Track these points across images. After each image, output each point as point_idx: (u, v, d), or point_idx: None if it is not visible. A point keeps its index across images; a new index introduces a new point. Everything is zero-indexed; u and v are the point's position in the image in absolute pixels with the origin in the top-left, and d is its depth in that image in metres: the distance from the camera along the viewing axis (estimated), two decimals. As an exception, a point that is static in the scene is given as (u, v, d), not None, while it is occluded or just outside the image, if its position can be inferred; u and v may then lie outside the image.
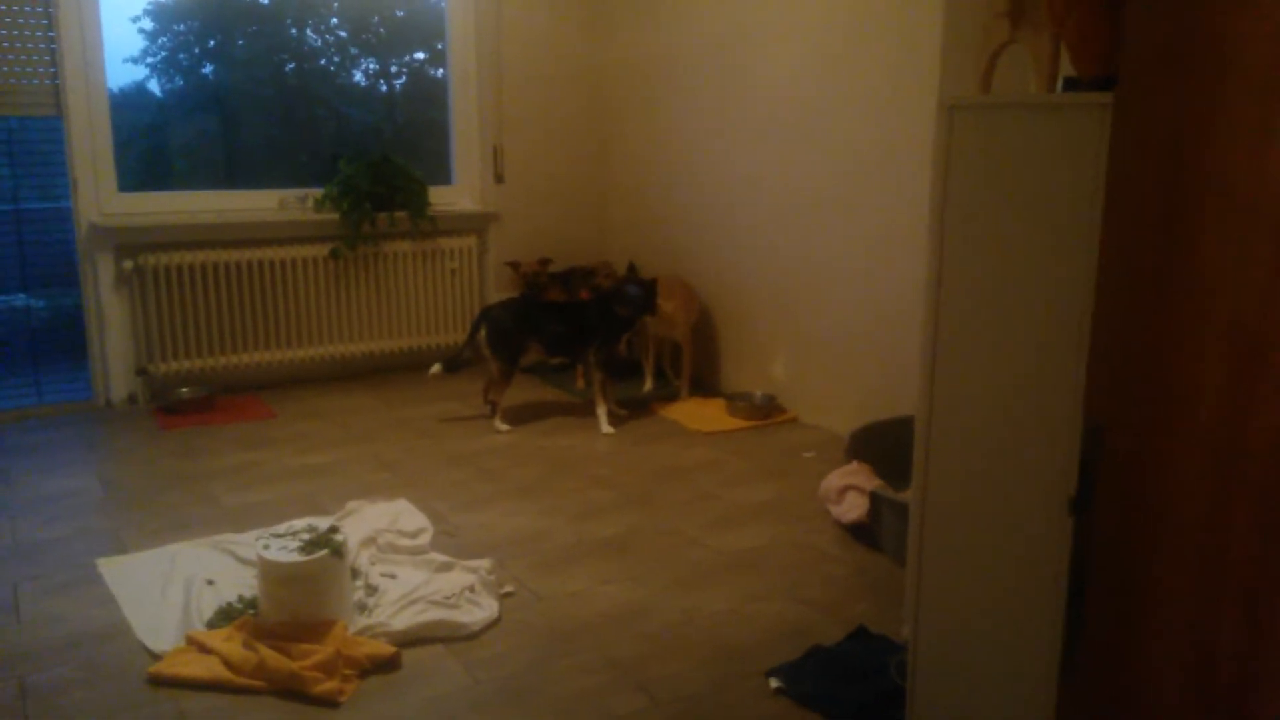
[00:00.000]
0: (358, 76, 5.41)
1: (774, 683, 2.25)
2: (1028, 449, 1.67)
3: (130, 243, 4.40)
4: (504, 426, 4.18)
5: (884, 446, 3.22)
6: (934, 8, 3.09)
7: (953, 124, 1.74)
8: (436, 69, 5.34)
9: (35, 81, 4.19)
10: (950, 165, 1.76)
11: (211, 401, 4.45)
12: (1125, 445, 1.30)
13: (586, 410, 4.41)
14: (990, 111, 1.69)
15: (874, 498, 2.94)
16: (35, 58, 4.18)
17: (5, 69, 4.13)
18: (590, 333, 4.27)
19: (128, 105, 4.61)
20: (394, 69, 5.48)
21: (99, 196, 4.38)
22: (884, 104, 3.78)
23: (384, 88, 5.50)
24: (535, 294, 4.78)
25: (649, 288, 4.30)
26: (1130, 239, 1.29)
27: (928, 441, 1.88)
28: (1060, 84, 1.68)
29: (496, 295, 5.10)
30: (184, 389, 4.48)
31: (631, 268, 4.90)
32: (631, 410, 4.44)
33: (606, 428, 4.17)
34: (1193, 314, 1.18)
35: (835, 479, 3.16)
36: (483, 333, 4.23)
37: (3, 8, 4.09)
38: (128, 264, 4.38)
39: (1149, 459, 1.27)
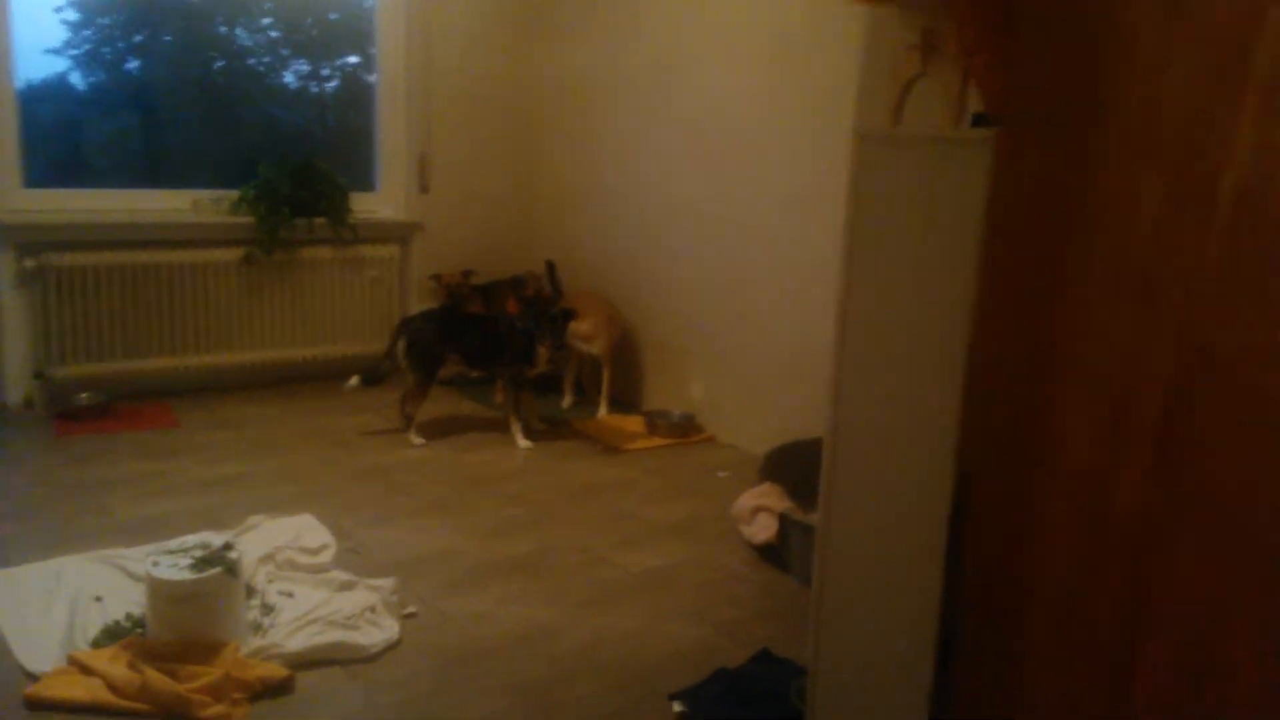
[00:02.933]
0: (288, 78, 5.27)
1: (676, 706, 2.22)
2: (909, 481, 1.67)
3: (33, 240, 4.20)
4: (418, 440, 4.09)
5: (797, 467, 3.23)
6: (857, 39, 3.12)
7: (864, 154, 1.74)
8: (369, 74, 5.24)
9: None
10: (859, 195, 1.77)
11: (112, 408, 4.27)
12: (994, 489, 1.30)
13: (504, 425, 4.34)
14: (897, 144, 1.70)
15: (783, 519, 2.94)
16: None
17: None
18: (506, 348, 4.21)
19: (46, 98, 4.41)
20: (325, 72, 5.36)
21: (1, 193, 4.19)
22: (810, 132, 3.82)
23: (315, 90, 5.37)
24: (458, 305, 4.71)
25: (562, 319, 4.20)
26: (1005, 281, 1.30)
27: (832, 468, 1.88)
28: (970, 119, 1.69)
29: (418, 306, 5.01)
30: (84, 394, 4.29)
31: (550, 266, 4.85)
32: (550, 425, 4.39)
33: (523, 442, 4.12)
34: (1062, 364, 1.19)
35: (747, 499, 3.16)
36: (401, 343, 4.14)
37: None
38: (29, 263, 4.19)
39: (1018, 508, 1.28)
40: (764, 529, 3.01)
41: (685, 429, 4.35)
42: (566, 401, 4.78)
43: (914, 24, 1.77)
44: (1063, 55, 1.21)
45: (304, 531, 3.03)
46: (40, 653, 2.34)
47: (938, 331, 1.59)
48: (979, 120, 1.72)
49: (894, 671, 1.74)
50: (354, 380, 4.21)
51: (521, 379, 4.23)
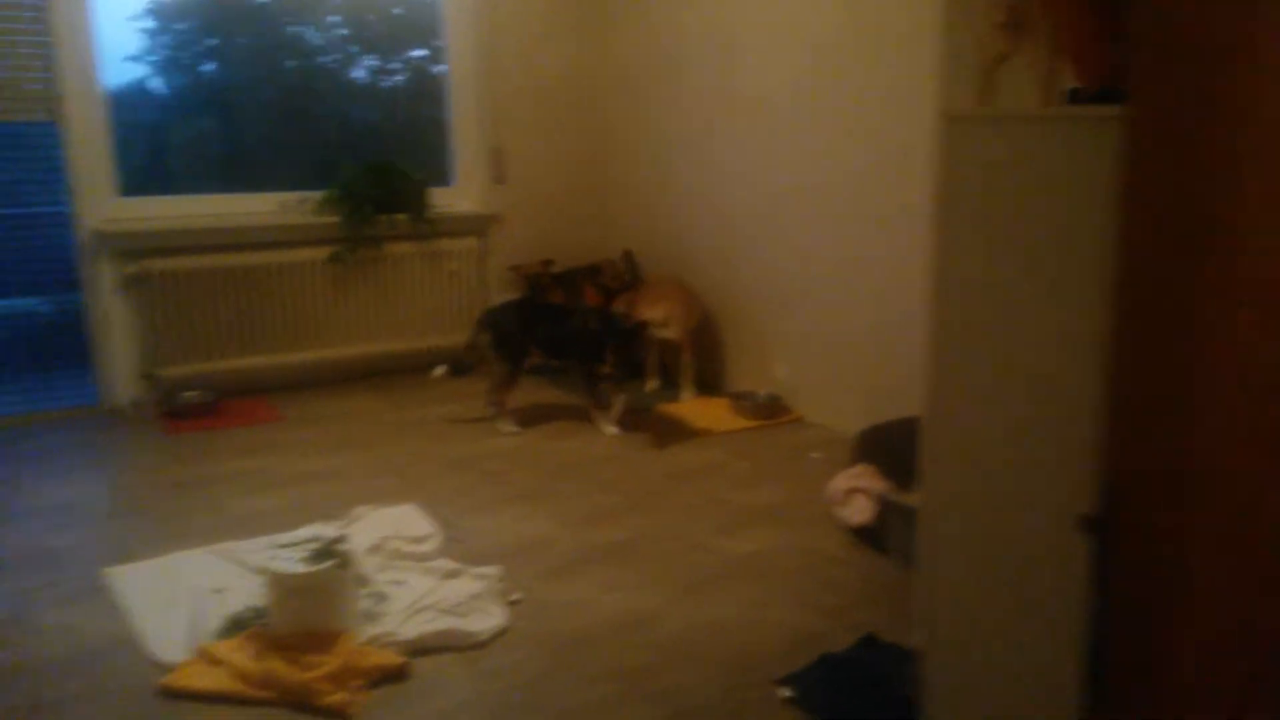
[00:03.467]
0: (358, 74, 5.38)
1: (784, 692, 2.24)
2: (1035, 457, 1.66)
3: (132, 248, 4.39)
4: (510, 428, 4.17)
5: (891, 447, 3.21)
6: (935, 12, 3.08)
7: (951, 135, 1.73)
8: (435, 66, 5.32)
9: (31, 87, 4.16)
10: (949, 177, 1.75)
11: (217, 405, 4.45)
12: (1144, 493, 1.28)
13: (588, 413, 4.42)
14: (989, 124, 1.68)
15: (881, 501, 2.93)
16: (31, 64, 4.15)
17: (2, 75, 4.10)
18: (578, 342, 4.20)
19: (127, 104, 4.59)
20: (393, 66, 5.45)
21: (99, 203, 4.37)
22: (889, 105, 3.77)
23: (384, 85, 5.48)
24: (538, 295, 4.77)
25: (636, 332, 4.22)
26: (1148, 264, 1.27)
27: (934, 444, 1.88)
28: (1065, 95, 1.67)
29: (498, 297, 5.10)
30: (189, 393, 4.48)
31: (627, 255, 4.89)
32: (634, 414, 4.43)
33: (608, 429, 4.16)
34: (1223, 354, 1.16)
35: (841, 481, 3.15)
36: (485, 336, 4.22)
37: None
38: (130, 269, 4.37)
39: (1168, 508, 1.26)
40: (860, 511, 3.01)
41: (772, 410, 4.35)
42: (650, 386, 4.82)
43: (1000, 1, 1.75)
44: (1192, 25, 1.17)
45: (407, 521, 3.13)
46: (170, 644, 2.46)
47: (1059, 313, 1.57)
48: (1074, 96, 1.69)
49: (1026, 656, 1.73)
50: (440, 369, 4.30)
51: (593, 374, 4.24)
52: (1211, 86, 1.18)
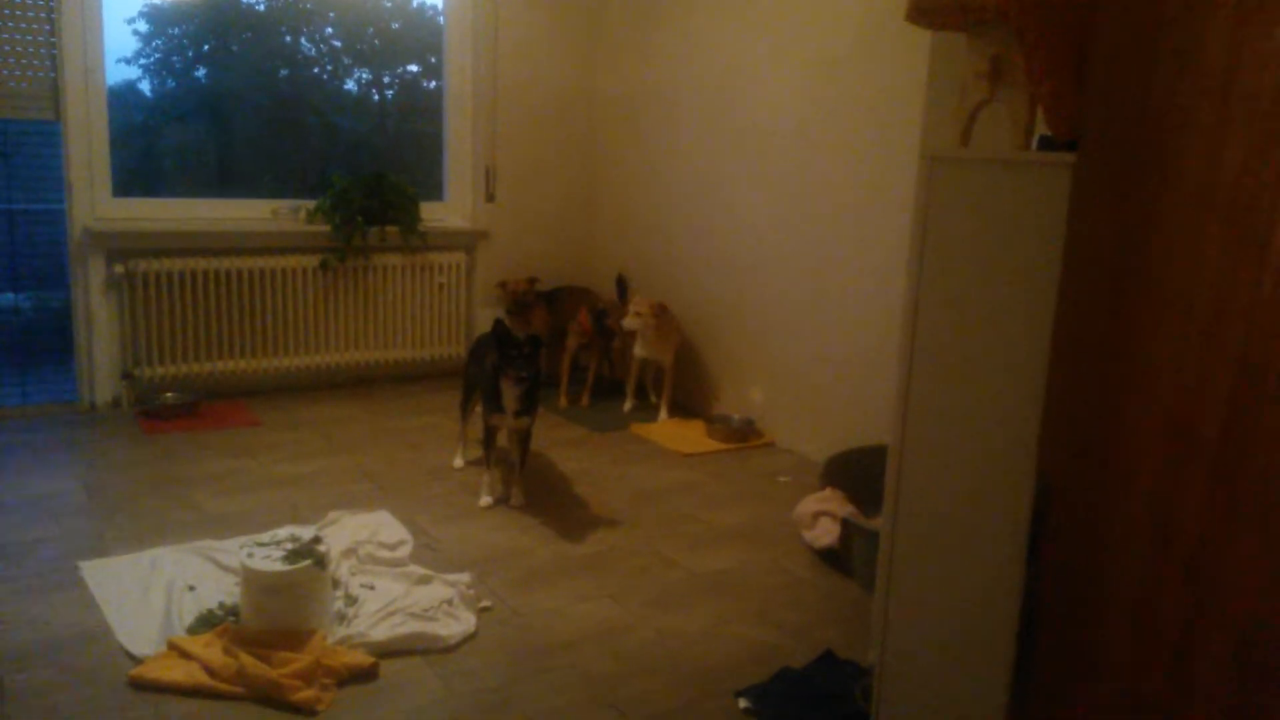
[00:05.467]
0: (350, 85, 5.45)
1: (742, 703, 2.30)
2: (987, 489, 1.74)
3: (122, 247, 4.42)
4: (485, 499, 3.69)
5: (857, 474, 3.29)
6: (920, 56, 3.18)
7: (932, 174, 1.81)
8: (428, 81, 5.39)
9: (34, 85, 4.21)
10: (929, 213, 1.84)
11: (196, 407, 4.47)
12: (1074, 503, 1.37)
13: (568, 427, 4.46)
14: (967, 165, 1.76)
15: (845, 524, 3.00)
16: (35, 61, 4.20)
17: (5, 71, 4.15)
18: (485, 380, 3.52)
19: (119, 105, 4.62)
20: (386, 79, 5.52)
21: (93, 201, 4.40)
22: (870, 144, 3.87)
23: (376, 98, 5.54)
24: (519, 312, 4.84)
25: (529, 348, 3.37)
26: (1082, 305, 1.37)
27: (899, 473, 1.95)
28: (1036, 142, 1.75)
29: (483, 312, 5.16)
30: (169, 394, 4.49)
31: (621, 280, 4.97)
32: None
33: (485, 499, 3.51)
34: (1134, 394, 1.26)
35: (809, 504, 3.22)
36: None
37: (5, 11, 4.11)
38: (119, 268, 4.40)
39: (1094, 519, 1.34)
40: (826, 533, 3.07)
41: (745, 434, 4.42)
42: (628, 405, 4.88)
43: (983, 52, 1.84)
44: (1135, 92, 1.28)
45: (382, 527, 3.17)
46: (141, 637, 2.49)
47: (1013, 344, 1.65)
48: (1045, 142, 1.78)
49: (964, 672, 1.80)
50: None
51: (488, 424, 3.53)
52: (1147, 145, 1.27)
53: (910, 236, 1.90)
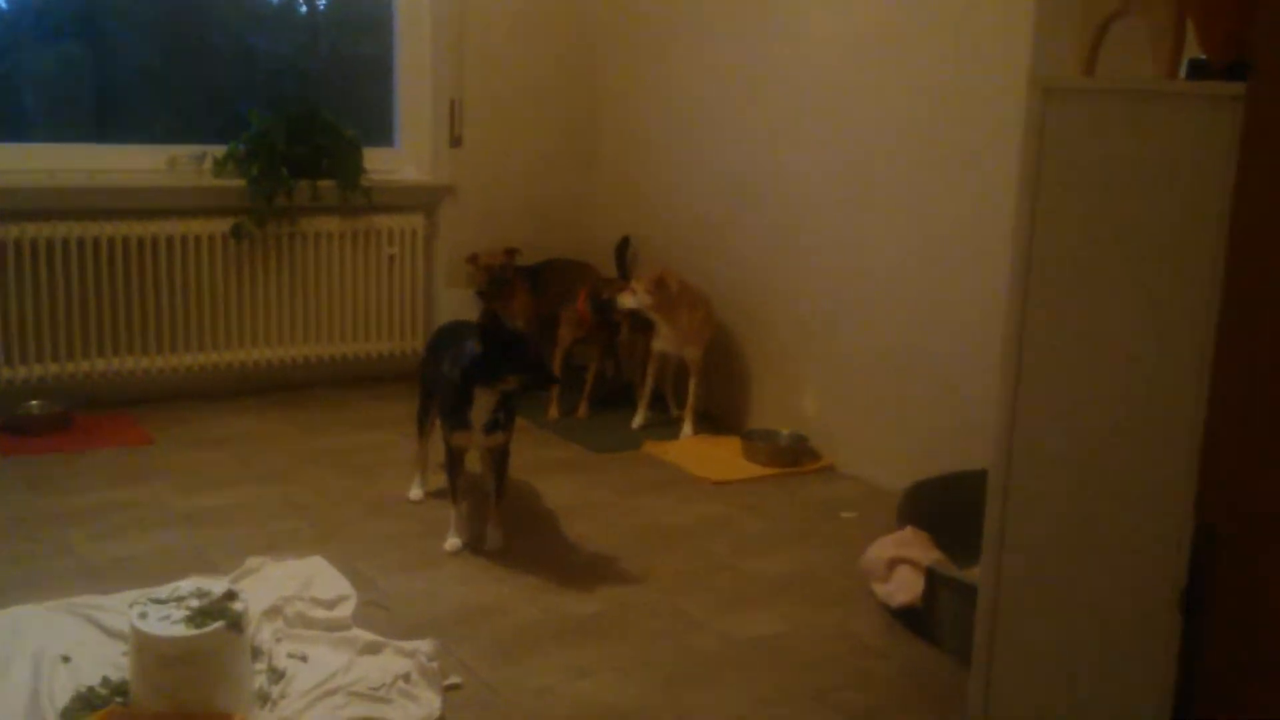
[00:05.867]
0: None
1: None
2: (1124, 530, 1.73)
3: (-32, 208, 4.44)
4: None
5: (946, 510, 3.29)
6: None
7: (1047, 110, 1.81)
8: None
9: None
10: (1043, 160, 1.83)
11: (69, 420, 4.49)
12: (1242, 543, 1.36)
13: (559, 445, 4.48)
14: (1094, 97, 1.76)
15: (931, 575, 3.00)
16: None
17: None
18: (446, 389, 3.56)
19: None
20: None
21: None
22: (957, 74, 3.86)
23: (304, 8, 5.52)
24: (495, 294, 4.84)
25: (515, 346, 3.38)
26: (1260, 286, 1.35)
27: (1003, 507, 1.95)
28: (1185, 68, 1.75)
29: (447, 291, 5.16)
30: (34, 402, 4.51)
31: (621, 247, 4.98)
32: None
33: (453, 540, 3.55)
34: None
35: (881, 549, 3.22)
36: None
37: None
38: (-34, 236, 4.42)
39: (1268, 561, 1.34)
40: (905, 588, 3.07)
41: (795, 455, 4.42)
42: (639, 418, 4.87)
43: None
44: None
45: (315, 578, 3.18)
46: (1, 725, 2.51)
47: (1165, 329, 1.64)
48: (1197, 69, 1.78)
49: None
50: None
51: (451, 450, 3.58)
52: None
53: (1017, 193, 1.89)
